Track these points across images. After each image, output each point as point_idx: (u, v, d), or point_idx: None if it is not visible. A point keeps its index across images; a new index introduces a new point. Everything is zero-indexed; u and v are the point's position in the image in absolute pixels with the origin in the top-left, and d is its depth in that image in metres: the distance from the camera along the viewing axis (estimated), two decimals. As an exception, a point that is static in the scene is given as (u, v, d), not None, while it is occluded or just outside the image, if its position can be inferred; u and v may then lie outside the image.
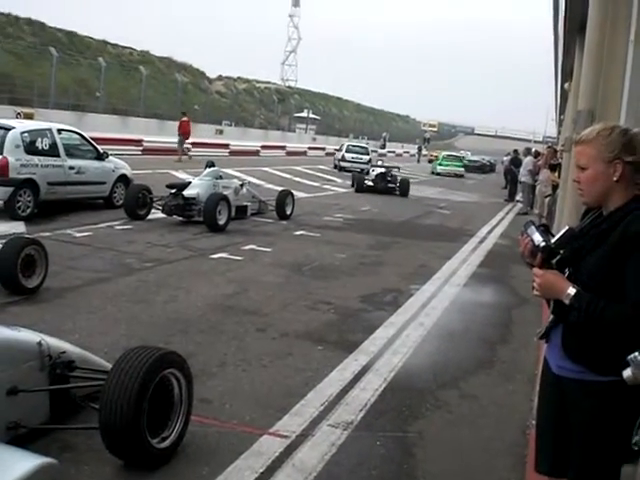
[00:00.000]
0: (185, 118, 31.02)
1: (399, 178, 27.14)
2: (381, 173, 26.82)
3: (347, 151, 38.86)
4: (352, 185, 26.68)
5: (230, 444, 4.70)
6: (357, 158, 37.48)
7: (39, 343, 4.43)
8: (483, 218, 20.39)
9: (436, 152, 62.59)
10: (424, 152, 72.44)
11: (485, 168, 58.29)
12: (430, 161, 62.60)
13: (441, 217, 20.33)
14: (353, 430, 5.09)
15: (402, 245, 14.18)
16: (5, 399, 4.08)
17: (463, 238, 15.75)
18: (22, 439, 4.07)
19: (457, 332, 8.02)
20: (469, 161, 56.75)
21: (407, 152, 77.05)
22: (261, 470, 4.37)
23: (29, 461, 3.66)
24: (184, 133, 30.72)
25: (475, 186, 37.80)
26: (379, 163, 30.37)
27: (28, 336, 4.52)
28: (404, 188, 26.17)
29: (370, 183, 26.19)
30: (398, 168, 29.18)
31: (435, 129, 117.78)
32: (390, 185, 26.40)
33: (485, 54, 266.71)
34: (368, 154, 39.18)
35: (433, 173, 45.99)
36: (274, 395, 5.59)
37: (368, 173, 28.62)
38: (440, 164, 46.92)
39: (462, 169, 47.34)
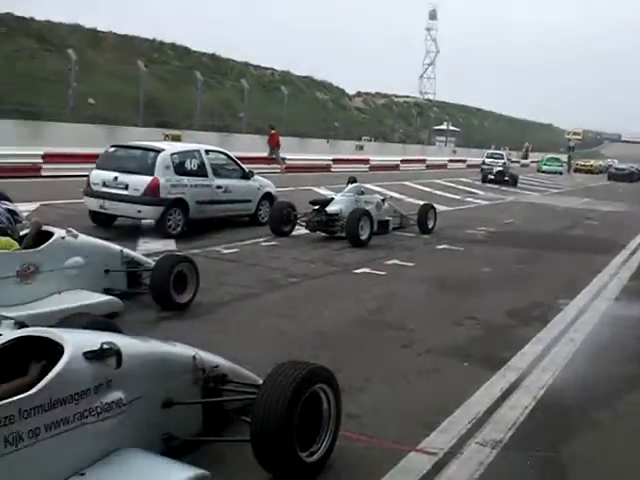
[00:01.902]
0: (273, 131, 32.41)
1: (511, 174, 38.38)
2: (499, 171, 38.03)
3: (487, 157, 50.00)
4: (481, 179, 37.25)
5: (377, 460, 4.69)
6: (494, 162, 46.41)
7: (193, 357, 4.58)
8: (633, 229, 19.49)
9: (581, 161, 69.74)
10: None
11: (633, 176, 55.89)
12: (576, 170, 62.47)
13: (589, 228, 19.62)
14: (502, 449, 4.98)
15: (549, 258, 13.78)
16: (160, 411, 4.23)
17: (613, 250, 15.11)
18: (175, 451, 4.20)
19: (609, 348, 7.71)
20: (616, 169, 58.51)
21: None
22: (410, 487, 4.34)
23: (184, 472, 3.81)
24: (275, 145, 32.11)
25: (623, 195, 36.24)
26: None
27: (183, 350, 4.68)
28: (514, 179, 37.31)
29: (492, 177, 37.07)
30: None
31: (579, 137, 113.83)
32: (505, 178, 36.88)
33: (633, 58, 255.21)
34: (503, 159, 48.69)
35: (539, 171, 57.59)
36: (421, 411, 5.55)
37: (491, 171, 38.72)
38: (544, 164, 59.81)
39: (561, 168, 59.61)
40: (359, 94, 69.54)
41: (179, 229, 12.89)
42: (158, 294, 7.93)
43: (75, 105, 28.12)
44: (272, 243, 13.17)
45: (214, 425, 4.70)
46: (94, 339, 3.88)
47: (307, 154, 35.44)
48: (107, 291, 7.83)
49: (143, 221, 13.46)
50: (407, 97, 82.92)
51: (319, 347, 6.98)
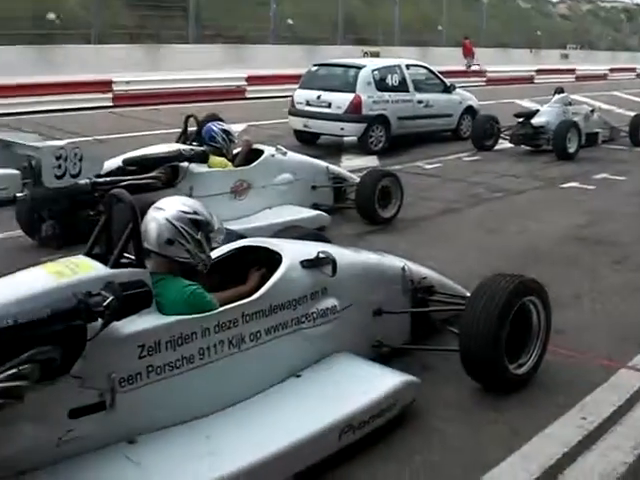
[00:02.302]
0: (467, 41, 32.55)
1: None
2: None
3: None
4: None
5: (586, 375, 4.61)
6: None
7: (403, 268, 4.68)
8: None
9: None
10: None
11: None
12: None
13: None
14: None
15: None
16: (371, 319, 4.39)
17: None
18: (385, 358, 4.36)
19: None
20: None
21: None
22: (619, 404, 4.24)
23: (395, 377, 3.95)
24: (469, 54, 32.35)
25: None
26: None
27: (393, 261, 4.80)
28: None
29: None
30: None
31: None
32: None
33: None
34: None
35: None
36: (632, 329, 5.36)
37: None
38: None
39: None
40: (563, 0, 65.69)
41: (381, 145, 13.00)
42: (363, 209, 8.11)
43: (276, 27, 28.66)
44: (475, 158, 12.98)
45: (422, 334, 4.81)
46: (310, 249, 4.07)
47: (509, 65, 34.17)
48: (315, 206, 8.12)
49: (346, 138, 13.65)
50: (615, 1, 77.28)
51: (526, 263, 6.84)
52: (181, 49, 24.75)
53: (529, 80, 32.52)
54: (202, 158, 7.21)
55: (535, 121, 13.42)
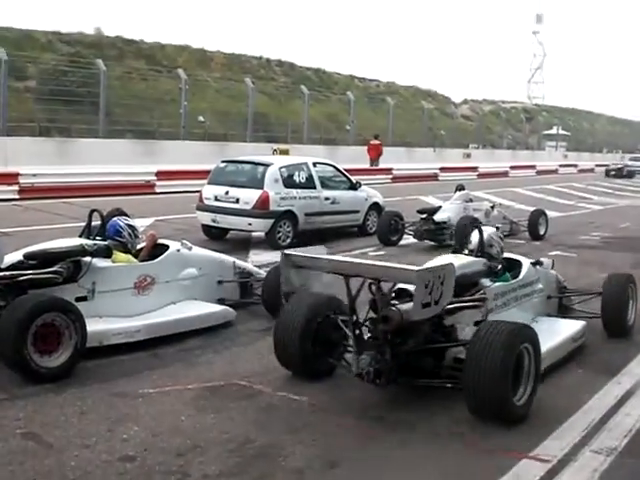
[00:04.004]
0: (375, 142, 33.66)
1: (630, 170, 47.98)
2: (618, 168, 48.50)
3: (630, 160, 55.95)
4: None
5: (489, 467, 4.67)
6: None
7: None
8: None
9: None
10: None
11: None
12: None
13: None
14: (617, 456, 4.87)
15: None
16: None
17: None
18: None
19: None
20: None
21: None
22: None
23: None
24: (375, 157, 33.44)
25: None
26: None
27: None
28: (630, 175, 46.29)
29: (613, 173, 47.31)
30: None
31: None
32: (624, 174, 46.27)
33: None
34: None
35: None
36: (534, 418, 5.46)
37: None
38: None
39: None
40: (465, 101, 68.77)
41: (288, 240, 13.10)
42: (270, 304, 8.08)
43: (186, 123, 29.02)
44: (380, 253, 13.21)
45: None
46: None
47: (414, 163, 35.39)
48: (220, 301, 8.09)
49: (253, 233, 13.76)
50: (515, 102, 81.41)
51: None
52: (91, 143, 24.82)
53: (433, 177, 33.71)
54: (105, 253, 7.12)
55: (437, 217, 13.86)
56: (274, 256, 12.04)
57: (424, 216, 13.98)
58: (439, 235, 13.85)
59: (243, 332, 7.70)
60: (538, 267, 7.56)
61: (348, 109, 38.10)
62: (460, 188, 15.40)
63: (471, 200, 14.85)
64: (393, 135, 39.57)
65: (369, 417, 5.43)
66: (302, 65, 50.12)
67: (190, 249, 7.98)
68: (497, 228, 8.16)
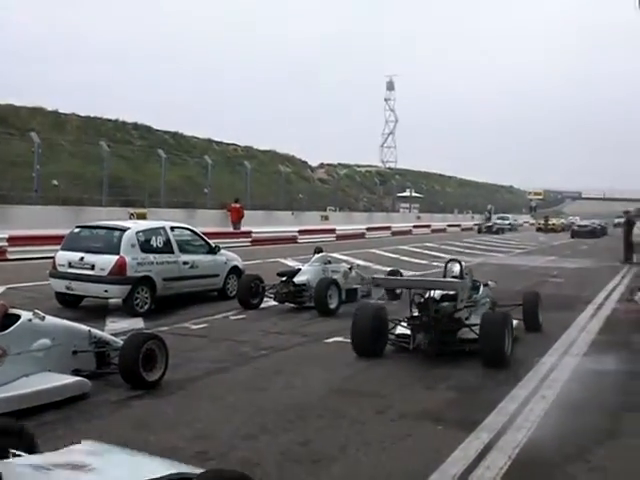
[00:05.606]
0: (236, 205, 34.65)
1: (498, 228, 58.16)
2: (488, 225, 58.56)
3: (498, 218, 68.28)
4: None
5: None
6: (502, 222, 64.98)
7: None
8: (599, 284, 19.75)
9: (542, 219, 71.76)
10: (531, 220, 73.49)
11: (596, 232, 57.05)
12: (538, 229, 64.23)
13: (554, 286, 19.74)
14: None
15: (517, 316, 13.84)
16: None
17: (579, 306, 15.24)
18: None
19: (580, 403, 7.75)
20: (579, 226, 59.66)
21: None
22: None
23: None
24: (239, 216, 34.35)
25: (587, 252, 36.76)
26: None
27: None
28: (502, 230, 57.49)
29: (485, 229, 57.43)
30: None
31: (541, 197, 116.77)
32: (494, 230, 56.81)
33: (589, 117, 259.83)
34: (509, 220, 68.34)
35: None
36: (396, 478, 5.51)
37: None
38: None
39: (507, 223, 67.16)
40: (322, 165, 70.37)
41: (147, 307, 12.83)
42: (127, 373, 7.84)
43: (40, 187, 28.17)
44: (241, 316, 13.15)
45: None
46: None
47: (273, 226, 35.74)
48: (76, 372, 7.76)
49: (110, 300, 13.38)
50: (369, 166, 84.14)
51: (292, 419, 6.93)
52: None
53: (292, 240, 34.11)
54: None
55: (297, 279, 13.96)
56: (132, 323, 11.83)
57: (284, 279, 14.04)
58: (299, 297, 13.93)
59: (99, 403, 7.41)
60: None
61: (205, 173, 38.16)
62: (318, 250, 15.60)
63: (329, 262, 15.05)
64: (252, 198, 39.88)
65: None
66: (159, 129, 49.88)
67: (43, 319, 7.63)
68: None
